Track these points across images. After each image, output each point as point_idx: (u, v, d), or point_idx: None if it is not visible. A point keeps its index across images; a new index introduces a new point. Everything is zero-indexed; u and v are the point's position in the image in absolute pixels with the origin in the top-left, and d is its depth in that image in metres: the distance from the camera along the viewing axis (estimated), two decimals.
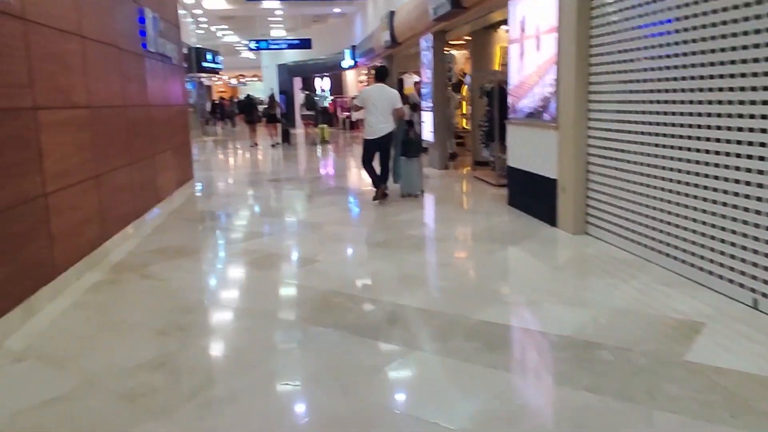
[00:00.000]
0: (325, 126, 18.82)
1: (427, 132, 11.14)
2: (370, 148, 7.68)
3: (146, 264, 5.03)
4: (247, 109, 19.02)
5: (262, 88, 32.59)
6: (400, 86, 16.10)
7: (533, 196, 6.41)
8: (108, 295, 4.29)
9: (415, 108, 14.89)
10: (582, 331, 3.32)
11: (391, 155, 7.94)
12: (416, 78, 16.06)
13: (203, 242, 6.18)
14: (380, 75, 7.88)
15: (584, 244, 5.23)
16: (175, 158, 8.74)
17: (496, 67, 10.72)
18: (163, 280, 4.61)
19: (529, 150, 6.54)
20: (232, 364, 3.13)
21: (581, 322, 3.46)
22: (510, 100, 7.06)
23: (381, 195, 7.61)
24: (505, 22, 10.02)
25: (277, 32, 27.65)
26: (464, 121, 14.42)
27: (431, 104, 10.81)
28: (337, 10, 22.15)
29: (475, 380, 2.81)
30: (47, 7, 4.42)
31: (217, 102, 30.32)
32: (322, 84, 26.75)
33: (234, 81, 50.13)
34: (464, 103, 13.74)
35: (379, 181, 7.67)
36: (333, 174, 12.09)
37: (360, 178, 10.27)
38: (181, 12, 19.59)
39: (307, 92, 20.76)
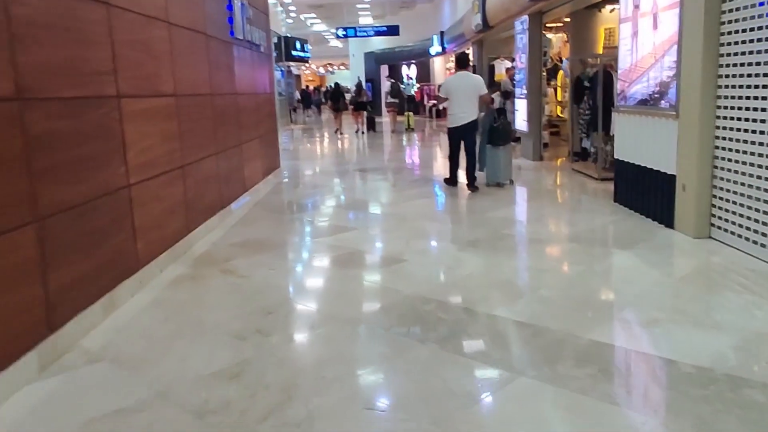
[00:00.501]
0: (410, 114, 18.78)
1: (521, 121, 10.50)
2: (454, 137, 7.54)
3: (229, 258, 4.86)
4: (335, 97, 19.33)
5: (349, 76, 32.65)
6: (491, 73, 15.43)
7: (645, 192, 5.74)
8: (189, 293, 4.13)
9: (507, 95, 14.31)
10: (722, 362, 2.76)
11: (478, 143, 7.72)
12: (508, 64, 15.34)
13: (287, 236, 5.98)
14: (462, 62, 7.67)
15: (710, 251, 4.56)
16: (262, 147, 8.66)
17: (600, 51, 9.91)
18: (244, 276, 4.42)
19: (641, 141, 5.85)
20: (312, 379, 2.83)
21: (719, 350, 2.90)
22: (619, 85, 6.38)
23: (453, 183, 7.68)
24: (609, 1, 9.24)
25: (365, 20, 27.49)
26: (559, 108, 13.60)
27: (525, 92, 10.15)
28: None
29: (593, 419, 2.36)
30: None
31: (305, 90, 30.67)
32: (409, 72, 26.33)
33: (322, 70, 50.79)
34: (559, 89, 12.93)
35: (456, 173, 7.61)
36: (418, 163, 11.70)
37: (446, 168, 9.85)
38: (270, 0, 19.82)
39: (392, 80, 21.12)
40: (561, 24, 12.39)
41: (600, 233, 5.46)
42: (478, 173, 7.66)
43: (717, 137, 4.73)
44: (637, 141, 5.96)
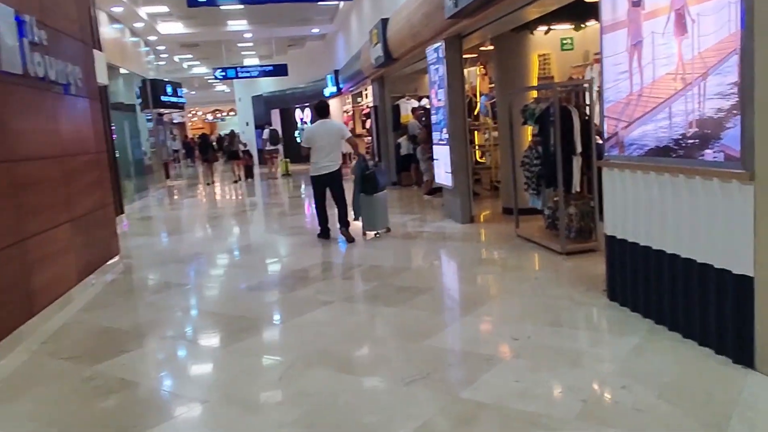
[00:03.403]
0: (287, 160, 19.80)
1: (443, 173, 8.28)
2: (318, 186, 7.38)
3: None
4: (203, 148, 19.70)
5: (238, 122, 29.81)
6: (395, 114, 13.32)
7: (679, 296, 3.53)
8: None
9: (415, 140, 12.19)
10: None
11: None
12: (415, 103, 13.33)
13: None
14: (321, 111, 7.46)
15: None
16: (80, 233, 5.80)
17: (534, 81, 7.96)
18: None
19: (661, 213, 3.67)
20: None
21: None
22: (607, 125, 4.22)
23: (326, 236, 7.50)
24: (542, 20, 7.36)
25: (251, 61, 24.98)
26: (478, 152, 11.67)
27: (446, 136, 7.97)
28: (315, 30, 19.50)
29: None
30: None
31: (185, 141, 27.94)
32: (303, 115, 23.97)
33: (210, 116, 47.39)
34: (476, 132, 10.98)
35: (326, 222, 7.50)
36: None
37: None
38: (132, 39, 16.86)
39: (271, 127, 21.15)
40: (475, 54, 10.50)
41: (639, 384, 3.13)
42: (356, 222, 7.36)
43: None
44: (651, 212, 3.77)
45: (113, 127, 13.05)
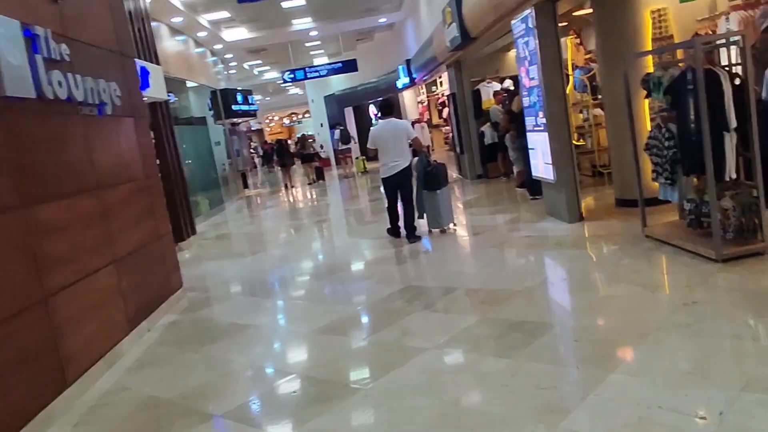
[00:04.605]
0: (363, 158, 19.31)
1: (541, 165, 6.99)
2: (388, 187, 7.30)
3: None
4: (280, 153, 19.83)
5: (313, 124, 29.35)
6: (476, 100, 12.03)
7: None
8: None
9: (498, 127, 10.87)
10: None
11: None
12: (497, 86, 11.99)
13: None
14: (386, 109, 7.51)
15: None
16: (129, 274, 5.05)
17: (648, 44, 6.51)
18: None
19: None
20: None
21: None
22: None
23: (395, 234, 7.43)
24: None
25: (320, 60, 24.32)
26: (574, 135, 10.17)
27: (544, 120, 6.68)
28: (382, 20, 18.42)
29: None
30: None
31: (264, 147, 28.24)
32: (377, 111, 23.03)
33: (287, 121, 47.57)
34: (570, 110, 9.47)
35: (397, 223, 7.41)
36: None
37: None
38: (198, 51, 16.50)
39: (341, 127, 20.93)
40: (566, 23, 9.05)
41: None
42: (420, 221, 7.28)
43: None
44: None
45: (183, 145, 12.68)
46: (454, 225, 7.54)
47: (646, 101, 6.33)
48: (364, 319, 4.81)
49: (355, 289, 5.86)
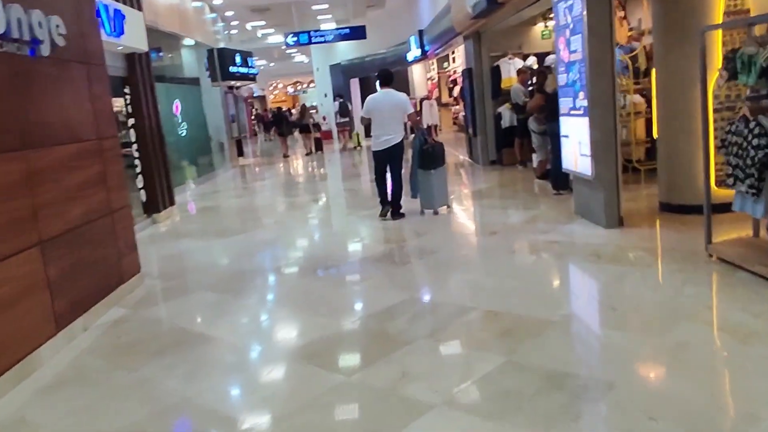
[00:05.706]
0: (358, 132, 18.89)
1: (576, 156, 5.89)
2: (378, 160, 7.05)
3: None
4: (278, 121, 19.88)
5: (317, 94, 28.02)
6: (495, 77, 10.85)
7: None
8: None
9: (520, 110, 9.74)
10: None
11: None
12: (519, 63, 10.82)
13: None
14: (385, 79, 7.16)
15: None
16: (61, 259, 3.99)
17: (719, 17, 5.38)
18: None
19: None
20: None
21: None
22: None
23: (386, 213, 7.06)
24: None
25: (328, 25, 22.96)
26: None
27: (584, 102, 5.56)
28: None
29: None
30: None
31: (258, 114, 27.72)
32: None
33: (291, 89, 46.06)
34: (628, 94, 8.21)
35: (386, 197, 7.09)
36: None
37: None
38: (195, 5, 15.20)
39: (340, 99, 20.32)
40: None
41: None
42: (416, 200, 7.08)
43: None
44: None
45: (177, 104, 11.54)
46: (448, 207, 7.30)
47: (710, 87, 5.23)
48: (353, 344, 3.76)
49: (346, 295, 4.79)
